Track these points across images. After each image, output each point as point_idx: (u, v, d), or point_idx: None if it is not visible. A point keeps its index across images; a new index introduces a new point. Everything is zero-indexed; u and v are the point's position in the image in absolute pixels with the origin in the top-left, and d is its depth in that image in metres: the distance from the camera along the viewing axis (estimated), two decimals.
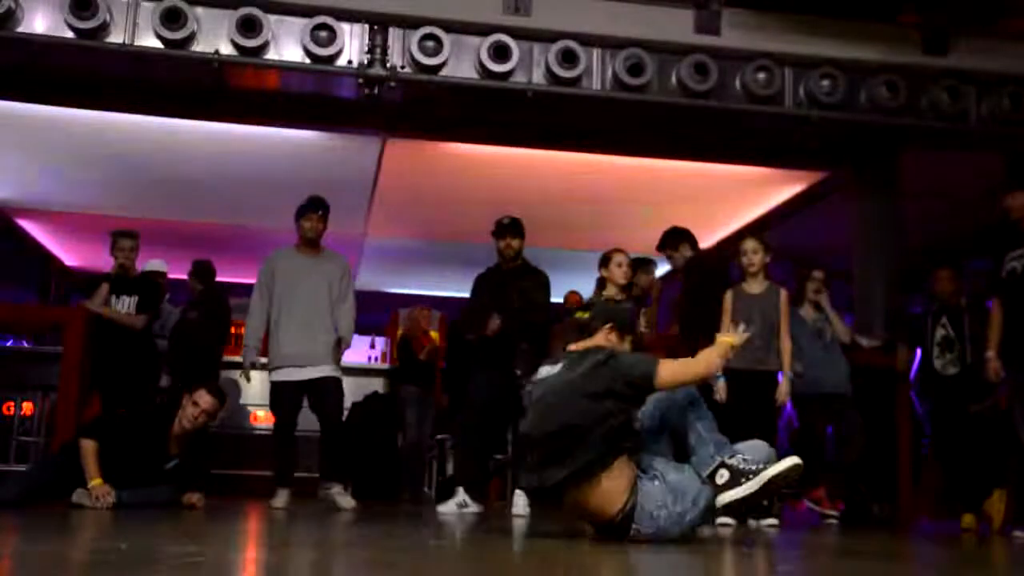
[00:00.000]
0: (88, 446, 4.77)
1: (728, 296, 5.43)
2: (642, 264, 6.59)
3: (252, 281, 5.84)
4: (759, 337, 5.27)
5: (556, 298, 6.04)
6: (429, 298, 10.52)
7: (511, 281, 5.74)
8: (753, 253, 5.37)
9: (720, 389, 5.19)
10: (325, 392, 5.65)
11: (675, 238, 6.05)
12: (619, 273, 5.51)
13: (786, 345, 5.33)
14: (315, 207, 5.81)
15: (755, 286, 5.39)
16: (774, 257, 5.49)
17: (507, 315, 5.55)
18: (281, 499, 5.51)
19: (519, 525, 4.71)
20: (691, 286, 5.89)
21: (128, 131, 7.27)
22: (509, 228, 5.76)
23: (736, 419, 5.30)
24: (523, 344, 5.51)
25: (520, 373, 5.46)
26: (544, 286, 5.77)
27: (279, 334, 5.67)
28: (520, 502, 5.38)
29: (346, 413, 6.73)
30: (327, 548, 3.26)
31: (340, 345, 5.77)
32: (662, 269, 7.27)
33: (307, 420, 5.80)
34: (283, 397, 5.65)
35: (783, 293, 5.39)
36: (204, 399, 5.05)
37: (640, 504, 3.31)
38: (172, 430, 5.05)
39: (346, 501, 5.54)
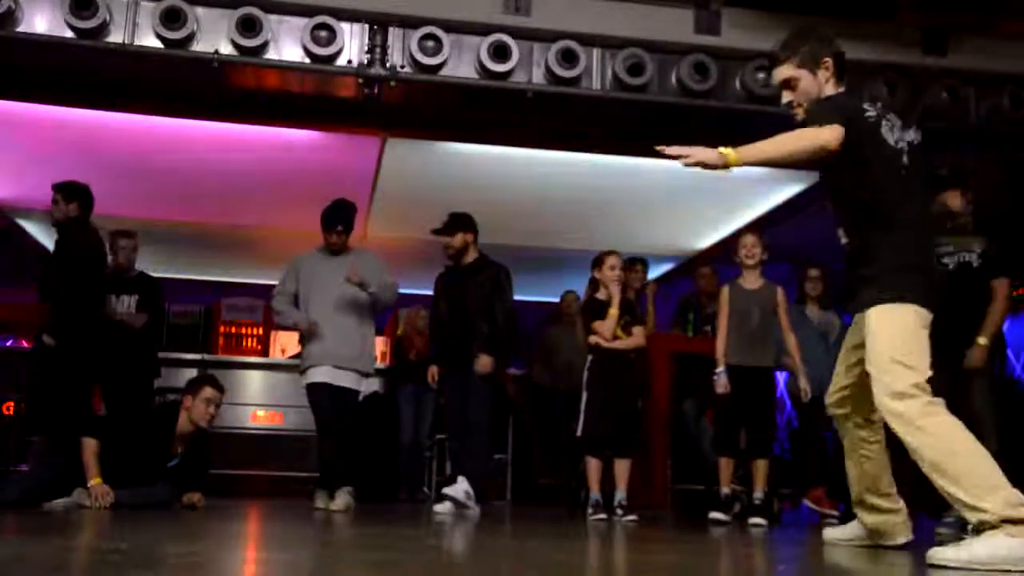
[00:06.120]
0: (89, 444, 4.77)
1: (725, 291, 5.44)
2: (631, 264, 6.58)
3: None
4: (757, 333, 5.28)
5: (551, 297, 6.02)
6: (429, 298, 10.48)
7: (465, 280, 5.80)
8: (753, 247, 5.40)
9: (722, 384, 5.21)
10: (344, 402, 5.64)
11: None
12: (612, 276, 5.51)
13: (792, 340, 5.33)
14: (335, 222, 5.71)
15: (752, 282, 5.40)
16: (771, 257, 5.50)
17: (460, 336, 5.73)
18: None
19: (521, 525, 4.71)
20: None
21: (128, 131, 7.27)
22: (444, 229, 5.80)
23: (734, 415, 5.34)
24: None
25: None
26: (500, 283, 5.79)
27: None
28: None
29: None
30: (326, 548, 3.26)
31: (371, 352, 5.85)
32: (661, 269, 7.26)
33: (305, 420, 5.78)
34: (320, 399, 5.59)
35: (779, 289, 5.41)
36: (212, 394, 5.06)
37: None
38: (177, 429, 5.05)
39: (333, 504, 5.46)
